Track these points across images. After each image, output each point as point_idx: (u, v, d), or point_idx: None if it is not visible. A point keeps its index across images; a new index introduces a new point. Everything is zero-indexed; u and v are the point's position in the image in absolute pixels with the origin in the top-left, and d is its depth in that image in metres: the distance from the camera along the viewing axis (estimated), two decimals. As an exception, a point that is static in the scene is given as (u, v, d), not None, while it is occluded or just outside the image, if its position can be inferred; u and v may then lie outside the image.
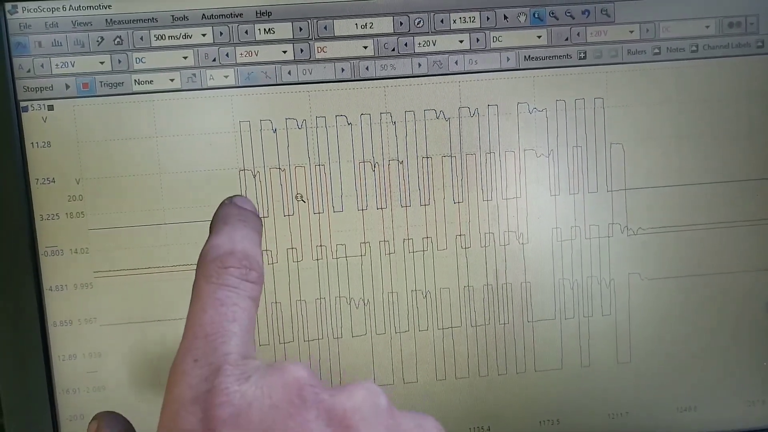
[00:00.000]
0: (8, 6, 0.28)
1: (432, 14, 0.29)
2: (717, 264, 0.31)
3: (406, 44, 0.29)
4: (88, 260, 0.29)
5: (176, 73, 0.29)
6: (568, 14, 0.30)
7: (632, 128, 0.30)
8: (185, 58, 0.29)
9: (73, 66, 0.28)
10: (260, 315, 0.30)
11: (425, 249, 0.30)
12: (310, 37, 0.29)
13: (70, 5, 0.28)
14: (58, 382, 0.29)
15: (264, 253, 0.30)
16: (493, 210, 0.30)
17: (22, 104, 0.28)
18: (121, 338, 0.29)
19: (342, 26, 0.29)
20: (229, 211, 0.23)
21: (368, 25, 0.29)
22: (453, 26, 0.29)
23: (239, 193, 0.28)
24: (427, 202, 0.30)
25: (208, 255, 0.20)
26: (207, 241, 0.21)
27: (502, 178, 0.30)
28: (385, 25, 0.29)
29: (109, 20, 0.28)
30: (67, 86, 0.28)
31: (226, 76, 0.29)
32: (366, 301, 0.30)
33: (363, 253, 0.30)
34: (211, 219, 0.29)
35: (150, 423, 0.30)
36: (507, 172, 0.30)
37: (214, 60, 0.29)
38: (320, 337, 0.30)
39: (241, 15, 0.29)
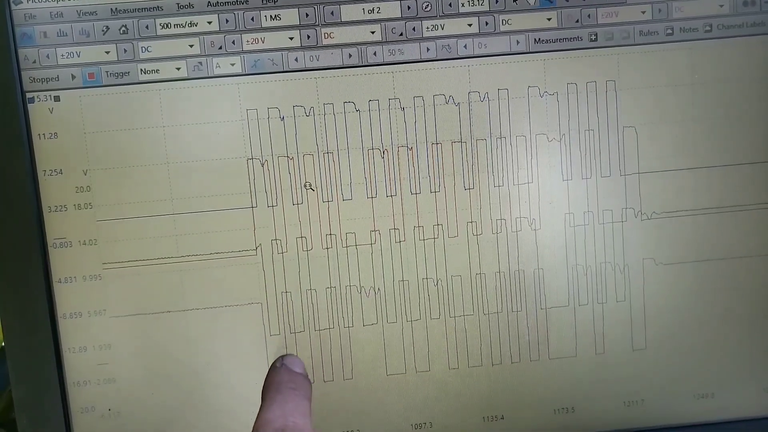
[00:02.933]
0: (13, -4, 0.28)
1: (440, -2, 0.29)
2: (732, 248, 0.31)
3: (414, 29, 0.29)
4: (97, 252, 0.29)
5: (182, 61, 0.28)
6: (578, -5, 0.29)
7: (645, 111, 0.30)
8: (191, 46, 0.28)
9: (78, 56, 0.28)
10: (270, 305, 0.29)
11: (436, 236, 0.30)
12: (317, 23, 0.29)
13: (75, -5, 0.28)
14: (68, 375, 0.29)
15: (273, 242, 0.29)
16: (505, 196, 0.30)
17: (29, 95, 0.28)
18: (130, 330, 0.29)
19: (349, 11, 0.29)
20: (281, 378, 0.25)
21: (375, 10, 0.29)
22: (461, 9, 0.29)
23: (290, 353, 0.29)
24: (437, 189, 0.30)
25: None
26: (260, 412, 0.23)
27: (514, 164, 0.30)
28: (392, 9, 0.29)
29: (114, 9, 0.28)
30: (73, 77, 0.28)
31: (233, 64, 0.29)
32: (377, 290, 0.30)
33: (373, 242, 0.30)
34: (222, 206, 0.29)
35: (159, 414, 0.29)
36: (518, 157, 0.30)
37: (221, 48, 0.28)
38: (331, 326, 0.30)
39: (246, 2, 0.28)
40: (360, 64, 0.29)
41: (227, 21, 0.28)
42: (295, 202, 0.29)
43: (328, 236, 0.29)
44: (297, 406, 0.23)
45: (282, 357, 0.26)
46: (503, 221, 0.30)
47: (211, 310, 0.29)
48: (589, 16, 0.29)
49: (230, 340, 0.29)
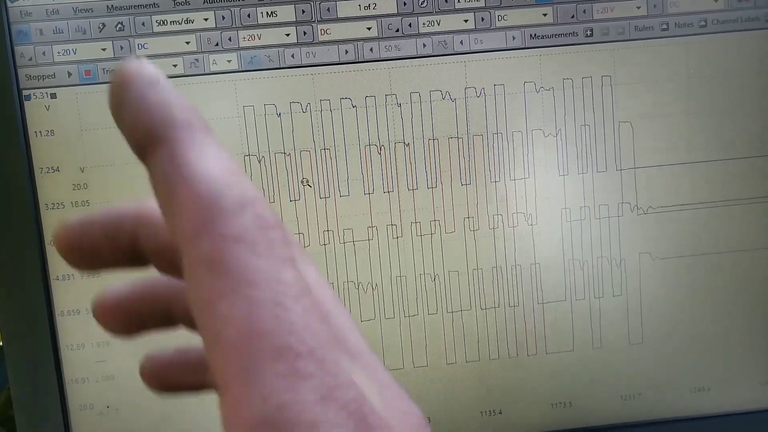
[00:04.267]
0: (8, -6, 0.28)
1: (436, -6, 0.29)
2: (728, 242, 0.31)
3: (410, 25, 0.29)
4: (95, 249, 0.29)
5: (179, 58, 0.29)
6: (574, -9, 0.29)
7: (641, 106, 0.30)
8: (187, 43, 0.28)
9: (75, 53, 0.28)
10: (268, 301, 0.30)
11: (433, 232, 0.30)
12: (313, 19, 0.29)
13: (71, -8, 0.28)
14: (66, 372, 0.29)
15: (271, 238, 0.29)
16: (501, 191, 0.30)
17: (25, 93, 0.28)
18: (129, 327, 0.29)
19: (345, 7, 0.29)
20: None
21: (372, 6, 0.29)
22: (457, 5, 0.29)
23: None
24: (434, 185, 0.30)
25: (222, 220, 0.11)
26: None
27: (510, 159, 0.30)
28: (388, 5, 0.29)
29: (110, 6, 0.28)
30: (70, 74, 0.28)
31: (229, 61, 0.29)
32: (374, 286, 0.30)
33: (370, 238, 0.30)
34: None
35: (157, 412, 0.30)
36: (515, 153, 0.30)
37: (217, 44, 0.29)
38: (329, 322, 0.30)
39: (242, -2, 0.28)
40: (356, 60, 0.29)
41: (223, 18, 0.28)
42: (292, 199, 0.29)
43: (326, 232, 0.30)
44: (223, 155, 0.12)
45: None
46: (500, 216, 0.30)
47: (209, 306, 0.29)
48: (584, 11, 0.29)
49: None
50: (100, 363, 0.29)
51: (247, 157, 0.29)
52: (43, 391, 0.29)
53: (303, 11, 0.29)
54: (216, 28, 0.28)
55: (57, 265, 0.29)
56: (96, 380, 0.29)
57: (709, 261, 0.31)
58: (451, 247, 0.30)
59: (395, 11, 0.29)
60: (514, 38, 0.29)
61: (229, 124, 0.29)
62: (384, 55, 0.29)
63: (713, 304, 0.31)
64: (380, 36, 0.29)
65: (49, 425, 0.29)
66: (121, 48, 0.28)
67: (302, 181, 0.29)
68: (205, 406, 0.30)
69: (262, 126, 0.29)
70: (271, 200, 0.29)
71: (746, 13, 0.30)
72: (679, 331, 0.31)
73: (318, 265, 0.15)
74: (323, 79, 0.29)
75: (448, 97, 0.29)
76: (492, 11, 0.29)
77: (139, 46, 0.28)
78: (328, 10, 0.29)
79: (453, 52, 0.29)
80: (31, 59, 0.28)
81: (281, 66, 0.29)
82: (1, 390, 0.37)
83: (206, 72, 0.29)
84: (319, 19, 0.29)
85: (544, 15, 0.29)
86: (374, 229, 0.30)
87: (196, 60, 0.29)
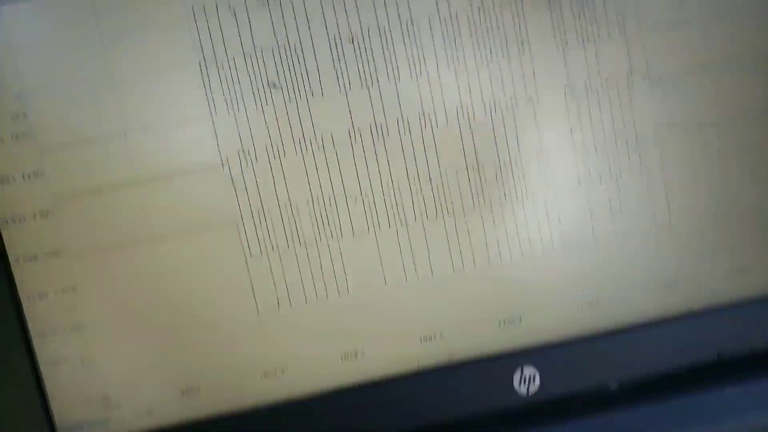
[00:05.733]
0: None
1: None
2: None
3: None
4: (44, 184, 0.26)
5: (111, -43, 0.25)
6: None
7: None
8: (119, -62, 0.25)
9: (-8, -36, 0.25)
10: (247, 223, 0.26)
11: (424, 127, 0.26)
12: None
13: None
14: (32, 325, 0.26)
15: (240, 153, 0.26)
16: (496, 72, 0.26)
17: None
18: (93, 268, 0.26)
19: None
20: None
21: None
22: None
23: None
24: (419, 72, 0.26)
25: None
26: None
27: (501, 34, 0.26)
28: None
29: None
30: (-11, -13, 0.25)
31: (169, -47, 0.25)
32: (364, 195, 0.27)
33: (353, 141, 0.26)
34: (178, 117, 0.25)
35: (137, 358, 0.26)
36: (506, 29, 0.26)
37: (152, -64, 0.25)
38: (318, 239, 0.27)
39: None
40: (313, -64, 0.25)
41: None
42: (260, 105, 0.26)
43: (301, 139, 0.26)
44: None
45: None
46: (497, 101, 0.26)
47: (182, 235, 0.26)
48: None
49: (207, 266, 0.26)
50: (67, 311, 0.26)
51: (202, 63, 0.25)
52: (7, 348, 0.26)
53: None
54: None
55: (3, 206, 0.26)
56: (65, 331, 0.26)
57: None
58: (447, 142, 0.27)
59: None
60: None
61: (179, 27, 0.25)
62: (344, -74, 0.25)
63: (748, 176, 0.27)
64: None
65: (19, 384, 0.26)
66: (44, -48, 0.25)
67: (268, 84, 0.26)
68: (191, 346, 0.27)
69: (215, 25, 0.25)
70: (236, 109, 0.26)
71: None
72: (710, 207, 0.28)
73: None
74: (278, -37, 0.25)
75: (422, -32, 0.26)
76: None
77: (64, -54, 0.25)
78: None
79: None
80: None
81: (228, -48, 0.25)
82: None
83: (144, -32, 0.25)
84: None
85: None
86: (357, 130, 0.26)
87: (131, -44, 0.25)
